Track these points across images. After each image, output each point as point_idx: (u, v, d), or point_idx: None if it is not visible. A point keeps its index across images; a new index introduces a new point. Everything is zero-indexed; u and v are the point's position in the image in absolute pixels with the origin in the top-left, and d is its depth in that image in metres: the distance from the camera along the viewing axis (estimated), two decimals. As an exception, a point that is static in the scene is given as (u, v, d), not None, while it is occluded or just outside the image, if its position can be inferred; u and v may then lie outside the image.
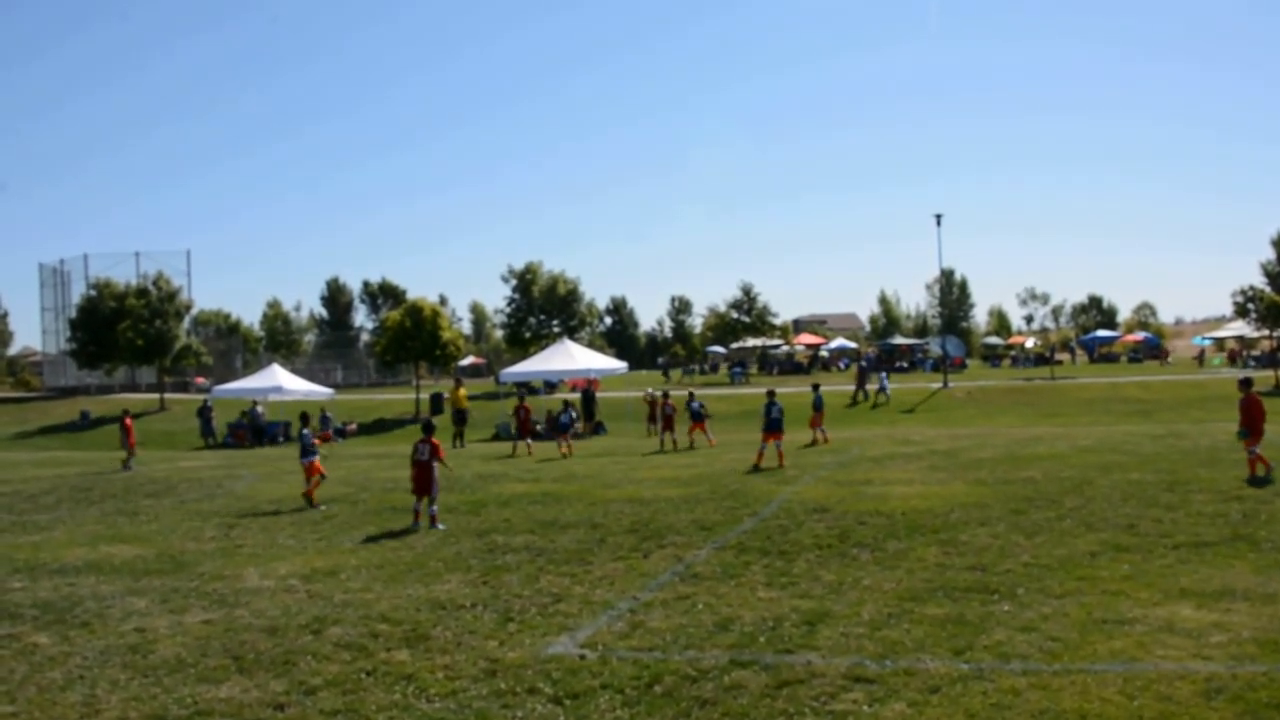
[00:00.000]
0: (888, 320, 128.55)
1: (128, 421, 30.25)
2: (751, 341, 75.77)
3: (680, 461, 23.77)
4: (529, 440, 29.91)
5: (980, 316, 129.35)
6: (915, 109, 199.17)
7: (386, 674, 8.07)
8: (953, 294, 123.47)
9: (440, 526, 15.28)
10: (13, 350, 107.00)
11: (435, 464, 15.81)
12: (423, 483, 15.71)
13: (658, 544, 13.21)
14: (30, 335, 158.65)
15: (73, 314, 62.56)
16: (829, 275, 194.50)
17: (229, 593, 11.33)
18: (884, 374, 50.57)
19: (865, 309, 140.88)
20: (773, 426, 22.64)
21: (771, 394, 23.98)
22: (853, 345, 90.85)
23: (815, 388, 29.49)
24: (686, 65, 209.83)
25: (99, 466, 30.20)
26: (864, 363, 58.44)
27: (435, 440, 16.16)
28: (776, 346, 77.16)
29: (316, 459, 18.80)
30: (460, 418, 36.63)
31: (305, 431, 19.24)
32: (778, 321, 77.88)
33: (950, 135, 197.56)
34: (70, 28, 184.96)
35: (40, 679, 8.28)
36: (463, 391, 37.03)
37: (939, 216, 53.84)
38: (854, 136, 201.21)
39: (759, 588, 10.56)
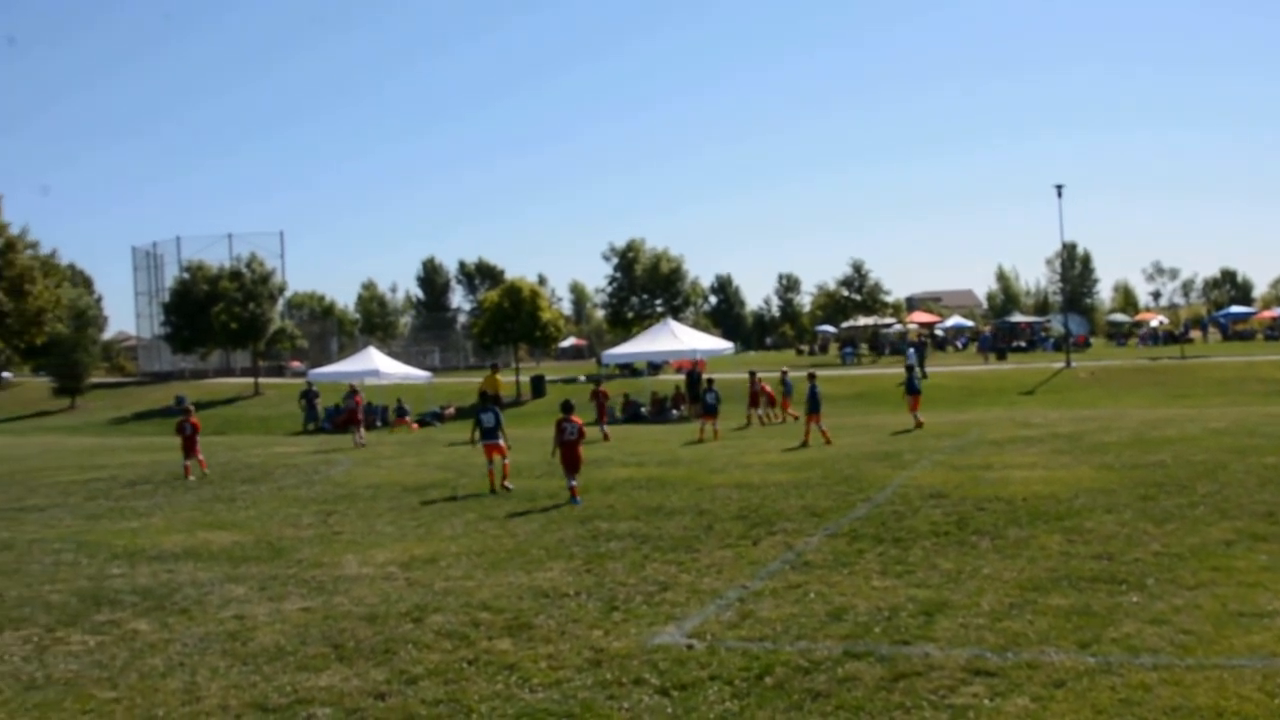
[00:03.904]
0: (1006, 297, 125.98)
1: (358, 399, 31.39)
2: (863, 320, 74.66)
3: (790, 445, 23.43)
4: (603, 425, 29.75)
5: (1104, 292, 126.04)
6: (1037, 68, 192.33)
7: (489, 663, 8.00)
8: (1075, 269, 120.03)
9: (578, 502, 15.91)
10: (108, 335, 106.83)
11: (581, 442, 16.74)
12: (573, 461, 16.47)
13: (767, 531, 12.96)
14: (125, 319, 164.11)
15: (166, 297, 62.73)
16: (944, 250, 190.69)
17: (328, 580, 11.35)
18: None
19: (982, 285, 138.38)
20: (814, 408, 24.12)
21: (812, 376, 25.68)
22: (970, 324, 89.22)
23: (909, 369, 29.30)
24: (787, 19, 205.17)
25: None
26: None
27: (577, 418, 16.87)
28: (889, 325, 75.94)
29: (501, 441, 18.38)
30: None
31: (490, 411, 18.95)
32: (890, 299, 76.63)
33: (1071, 98, 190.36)
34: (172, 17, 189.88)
35: (141, 665, 8.37)
36: (499, 377, 34.68)
37: (1060, 187, 52.34)
38: (969, 98, 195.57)
39: (873, 576, 10.28)
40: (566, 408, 17.18)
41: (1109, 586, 9.39)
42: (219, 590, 11.04)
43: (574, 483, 16.40)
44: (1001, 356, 61.59)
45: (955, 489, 15.29)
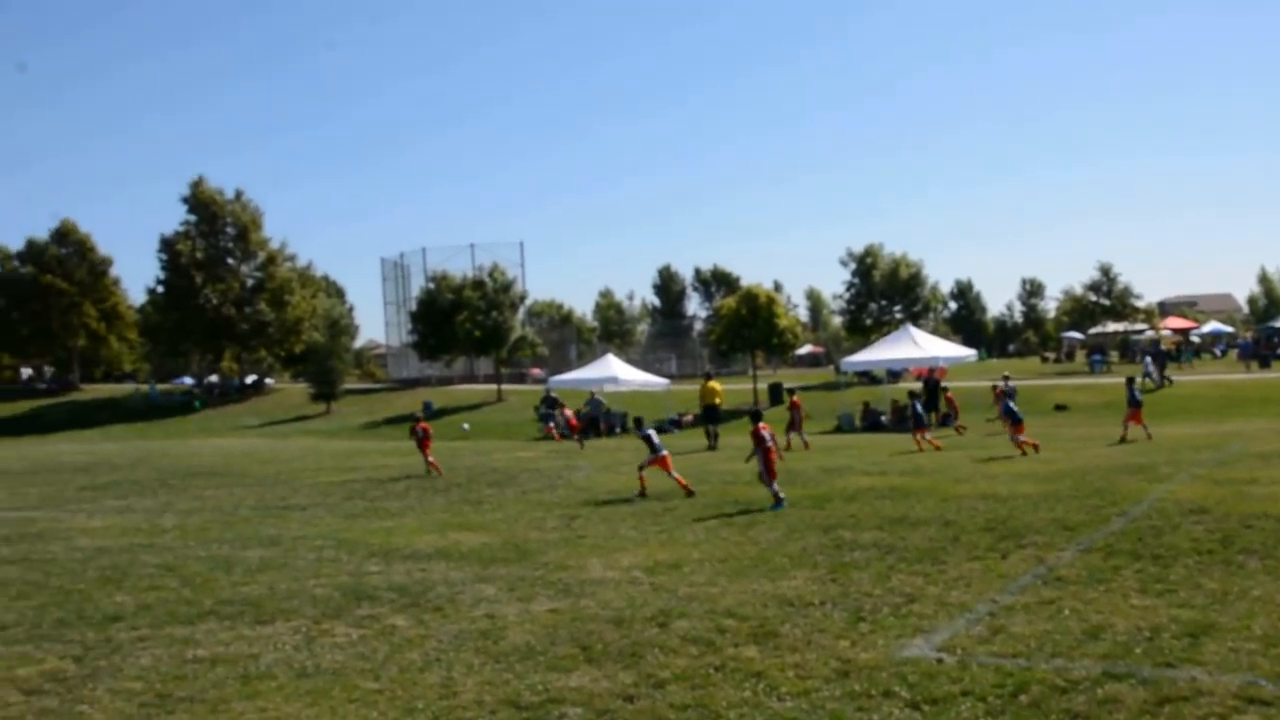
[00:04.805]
0: (1269, 301, 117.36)
1: (566, 409, 33.59)
2: (1112, 326, 71.28)
3: (1040, 456, 22.63)
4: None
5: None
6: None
7: (735, 670, 8.06)
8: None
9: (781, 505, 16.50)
10: (359, 343, 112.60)
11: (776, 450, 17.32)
12: (773, 466, 17.00)
13: (1016, 544, 12.60)
14: (374, 328, 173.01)
15: (412, 307, 65.86)
16: (1200, 252, 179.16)
17: (574, 583, 11.61)
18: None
19: (1243, 289, 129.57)
20: (1015, 420, 23.99)
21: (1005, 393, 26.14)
22: (1229, 329, 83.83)
23: (1129, 381, 27.99)
24: (1041, 6, 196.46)
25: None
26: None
27: (766, 425, 17.47)
28: (1140, 331, 72.16)
29: (665, 454, 19.51)
30: (711, 414, 32.94)
31: (644, 425, 20.01)
32: (1141, 304, 72.87)
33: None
34: (399, 19, 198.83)
35: (400, 659, 8.79)
36: (715, 384, 33.84)
37: (1333, 183, 48.42)
38: (1225, 92, 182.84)
39: (1131, 594, 9.84)
40: (756, 417, 17.73)
41: (1400, 614, 8.71)
42: (470, 589, 11.47)
43: (774, 487, 16.75)
44: (1265, 364, 57.48)
45: (1218, 504, 14.44)
